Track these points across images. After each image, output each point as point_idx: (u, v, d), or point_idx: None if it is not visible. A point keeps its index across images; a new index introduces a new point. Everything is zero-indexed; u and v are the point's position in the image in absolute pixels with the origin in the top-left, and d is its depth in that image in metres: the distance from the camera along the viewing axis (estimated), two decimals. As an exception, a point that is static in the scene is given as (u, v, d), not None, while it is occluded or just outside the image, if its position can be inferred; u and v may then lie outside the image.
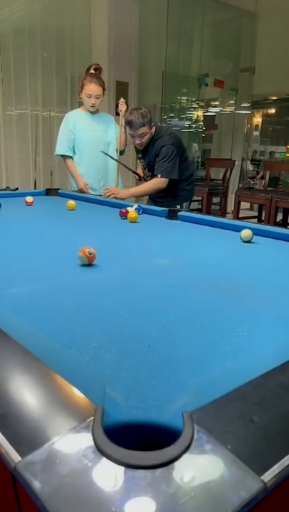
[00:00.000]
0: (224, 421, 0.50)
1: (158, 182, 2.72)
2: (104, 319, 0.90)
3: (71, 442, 0.46)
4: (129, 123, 2.69)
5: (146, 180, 2.92)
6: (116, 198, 2.69)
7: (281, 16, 5.80)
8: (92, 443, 0.45)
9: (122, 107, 2.92)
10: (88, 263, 1.26)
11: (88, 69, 2.93)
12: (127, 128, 2.75)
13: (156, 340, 0.79)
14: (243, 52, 6.91)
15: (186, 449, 0.45)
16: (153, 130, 2.76)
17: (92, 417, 0.49)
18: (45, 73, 4.91)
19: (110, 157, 2.91)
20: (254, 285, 1.17)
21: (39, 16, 4.74)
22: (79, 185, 2.94)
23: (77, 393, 0.53)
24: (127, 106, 3.00)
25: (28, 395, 0.54)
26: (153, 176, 2.79)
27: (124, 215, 2.07)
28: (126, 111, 2.89)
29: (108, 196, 2.71)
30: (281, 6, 5.62)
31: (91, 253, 1.25)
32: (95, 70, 2.91)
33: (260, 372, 0.61)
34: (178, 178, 2.73)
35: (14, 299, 0.98)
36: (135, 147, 2.89)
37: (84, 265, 1.25)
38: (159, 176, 2.70)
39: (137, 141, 2.75)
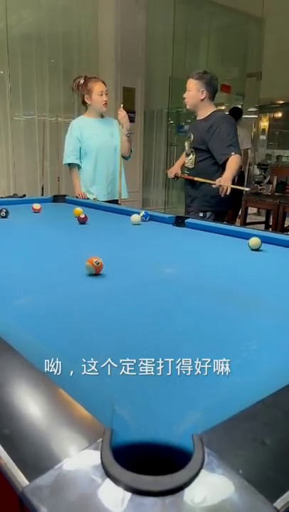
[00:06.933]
0: (235, 443, 0.49)
1: (238, 159, 2.55)
2: (111, 331, 0.89)
3: (79, 466, 0.45)
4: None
5: (189, 175, 2.77)
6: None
7: (288, 20, 5.79)
8: (100, 467, 0.44)
9: (121, 113, 2.91)
10: (95, 273, 1.25)
11: (83, 81, 2.91)
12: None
13: (164, 353, 0.78)
14: (249, 57, 6.89)
15: (197, 474, 0.44)
16: (202, 96, 2.65)
17: (101, 439, 0.48)
18: (53, 79, 4.93)
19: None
20: (263, 295, 1.15)
21: (46, 23, 4.77)
22: (76, 192, 2.95)
23: (85, 413, 0.52)
24: (128, 111, 2.97)
25: (35, 415, 0.53)
26: (195, 153, 2.70)
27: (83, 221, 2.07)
28: (125, 115, 2.89)
29: (226, 192, 2.46)
30: (288, 10, 5.61)
31: (98, 263, 1.25)
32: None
33: (271, 389, 0.60)
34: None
35: (20, 311, 0.97)
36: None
37: (91, 275, 1.25)
38: (233, 153, 2.53)
39: (185, 94, 2.70)
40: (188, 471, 0.44)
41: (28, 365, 0.65)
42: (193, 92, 2.66)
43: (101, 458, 0.45)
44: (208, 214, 2.70)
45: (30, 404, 0.56)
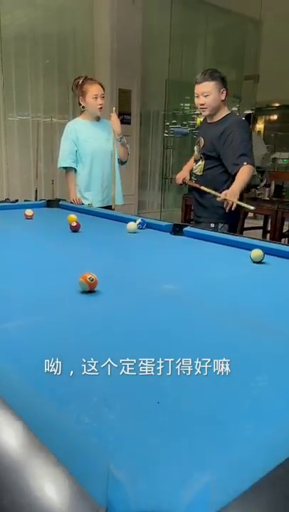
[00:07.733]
0: (255, 529, 0.41)
1: (250, 169, 2.31)
2: (106, 358, 0.81)
3: None
4: (195, 80, 2.43)
5: (196, 179, 2.58)
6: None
7: (286, 22, 5.74)
8: None
9: (112, 117, 2.83)
10: (89, 290, 1.17)
11: (81, 81, 2.83)
12: (195, 86, 2.44)
13: (166, 394, 0.70)
14: (246, 59, 6.84)
15: None
16: (223, 96, 2.43)
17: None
18: (47, 80, 4.85)
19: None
20: (271, 317, 1.07)
21: (41, 23, 4.68)
22: (71, 197, 2.87)
23: (75, 487, 0.44)
24: (124, 113, 2.90)
25: (14, 491, 0.44)
26: (205, 159, 2.50)
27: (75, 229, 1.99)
28: (117, 119, 2.81)
29: (231, 207, 2.27)
30: (286, 12, 5.56)
31: (92, 279, 1.16)
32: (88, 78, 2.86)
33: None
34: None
35: (5, 338, 0.88)
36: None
37: (84, 292, 1.17)
38: (245, 163, 2.30)
39: (201, 101, 2.41)
40: None
41: (10, 412, 0.56)
42: (215, 94, 2.40)
43: None
44: (220, 225, 2.46)
45: (10, 477, 0.47)
